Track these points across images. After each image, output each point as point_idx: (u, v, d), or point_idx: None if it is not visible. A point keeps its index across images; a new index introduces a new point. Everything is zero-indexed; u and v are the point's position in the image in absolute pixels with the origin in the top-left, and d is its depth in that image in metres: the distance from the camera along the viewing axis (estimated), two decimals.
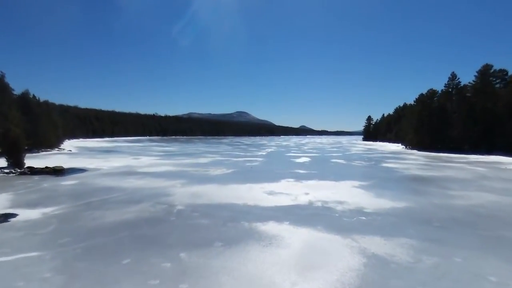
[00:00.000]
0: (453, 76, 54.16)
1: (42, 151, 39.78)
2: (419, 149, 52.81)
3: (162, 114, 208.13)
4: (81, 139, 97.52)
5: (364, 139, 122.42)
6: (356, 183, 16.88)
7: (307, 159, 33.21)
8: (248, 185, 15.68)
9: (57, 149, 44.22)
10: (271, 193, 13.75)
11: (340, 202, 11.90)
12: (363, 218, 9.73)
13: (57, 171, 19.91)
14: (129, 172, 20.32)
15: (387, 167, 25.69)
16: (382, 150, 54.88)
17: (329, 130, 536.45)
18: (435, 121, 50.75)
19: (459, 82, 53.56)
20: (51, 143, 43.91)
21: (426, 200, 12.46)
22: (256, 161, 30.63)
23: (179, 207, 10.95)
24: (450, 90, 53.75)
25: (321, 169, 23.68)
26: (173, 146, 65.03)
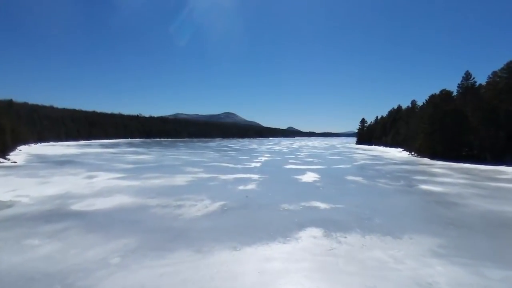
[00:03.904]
0: (467, 76, 48.71)
1: None
2: (431, 157, 46.86)
3: (147, 115, 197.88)
4: (51, 143, 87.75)
5: (358, 142, 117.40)
6: (432, 241, 9.87)
7: (315, 176, 26.14)
8: (249, 258, 8.41)
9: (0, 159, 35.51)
10: None
11: None
12: None
13: None
14: (53, 214, 12.62)
15: (432, 193, 18.94)
16: (390, 158, 48.68)
17: (316, 132, 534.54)
18: (450, 125, 44.86)
19: (475, 82, 48.15)
20: None
21: None
22: (250, 179, 23.36)
23: None
24: (464, 91, 48.29)
25: (346, 200, 16.59)
26: (151, 152, 56.83)
